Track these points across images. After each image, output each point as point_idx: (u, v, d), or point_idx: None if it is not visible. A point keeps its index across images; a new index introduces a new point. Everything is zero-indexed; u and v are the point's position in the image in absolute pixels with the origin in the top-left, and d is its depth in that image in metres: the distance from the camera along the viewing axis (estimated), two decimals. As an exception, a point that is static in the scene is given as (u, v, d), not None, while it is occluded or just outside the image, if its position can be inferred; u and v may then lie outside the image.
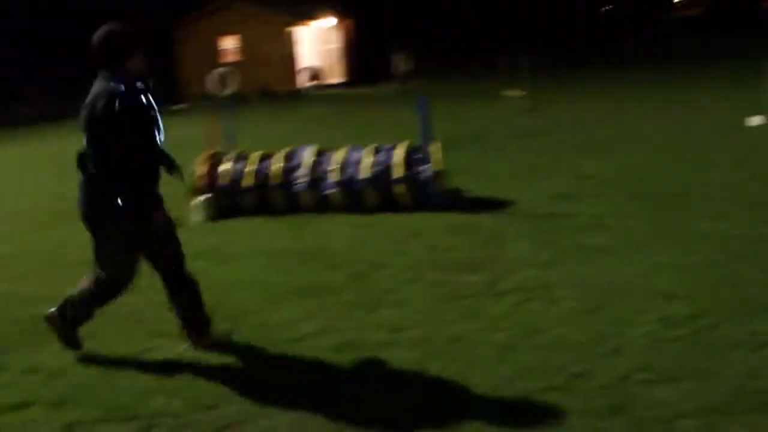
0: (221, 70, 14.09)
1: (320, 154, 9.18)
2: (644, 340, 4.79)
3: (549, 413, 3.99)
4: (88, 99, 4.52)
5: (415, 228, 7.98)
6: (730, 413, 3.84)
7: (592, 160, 11.01)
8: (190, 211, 9.00)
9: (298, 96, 29.24)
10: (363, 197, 8.76)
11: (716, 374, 4.26)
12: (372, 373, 4.65)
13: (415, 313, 5.54)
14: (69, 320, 4.94)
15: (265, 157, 9.28)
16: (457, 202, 8.78)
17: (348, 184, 8.80)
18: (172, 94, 30.22)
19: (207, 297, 5.12)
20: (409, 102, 12.92)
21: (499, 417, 3.99)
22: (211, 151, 9.58)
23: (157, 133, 4.63)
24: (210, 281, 5.75)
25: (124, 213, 4.48)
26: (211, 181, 9.16)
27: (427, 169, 8.67)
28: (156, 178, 4.67)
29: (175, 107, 27.25)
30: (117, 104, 4.38)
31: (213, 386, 4.54)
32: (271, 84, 30.13)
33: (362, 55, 33.95)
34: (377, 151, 9.03)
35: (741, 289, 5.49)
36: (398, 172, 8.67)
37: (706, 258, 6.26)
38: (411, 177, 8.68)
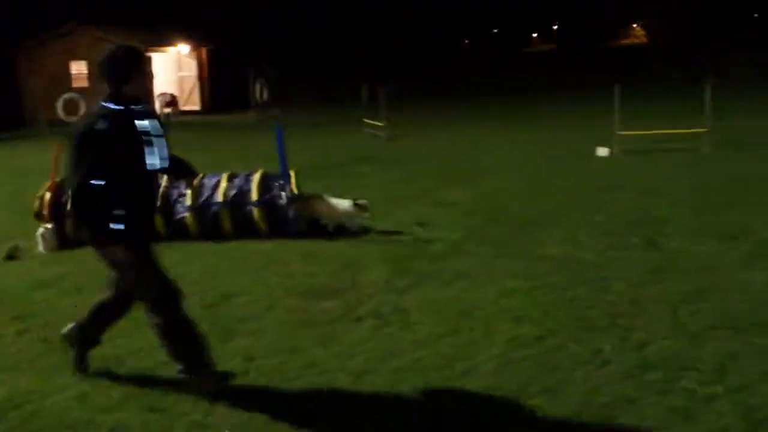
0: (70, 95, 13.64)
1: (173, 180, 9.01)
2: (495, 361, 4.98)
3: (402, 435, 4.09)
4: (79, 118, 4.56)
5: (272, 255, 7.98)
6: (578, 428, 4.06)
7: (450, 189, 11.36)
8: (35, 240, 8.64)
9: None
10: (219, 222, 8.68)
11: (562, 391, 4.49)
12: (225, 400, 4.61)
13: (271, 341, 5.54)
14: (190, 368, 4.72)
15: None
16: (314, 229, 8.83)
17: (202, 208, 8.69)
18: (14, 119, 28.94)
19: (51, 328, 4.94)
20: (267, 130, 12.91)
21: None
22: (57, 179, 9.23)
23: (146, 158, 4.46)
24: (55, 313, 5.51)
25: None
26: (56, 210, 8.82)
27: (284, 196, 8.69)
28: (134, 205, 4.51)
29: (18, 133, 26.07)
30: (99, 124, 4.33)
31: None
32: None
33: (219, 83, 33.67)
34: (233, 177, 8.97)
35: (585, 311, 5.80)
36: (254, 197, 8.65)
37: (554, 281, 6.58)
38: (268, 202, 8.68)
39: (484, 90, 34.17)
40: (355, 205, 8.63)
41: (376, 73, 29.29)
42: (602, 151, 13.86)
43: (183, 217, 8.72)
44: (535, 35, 77.45)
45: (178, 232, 8.67)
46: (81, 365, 5.03)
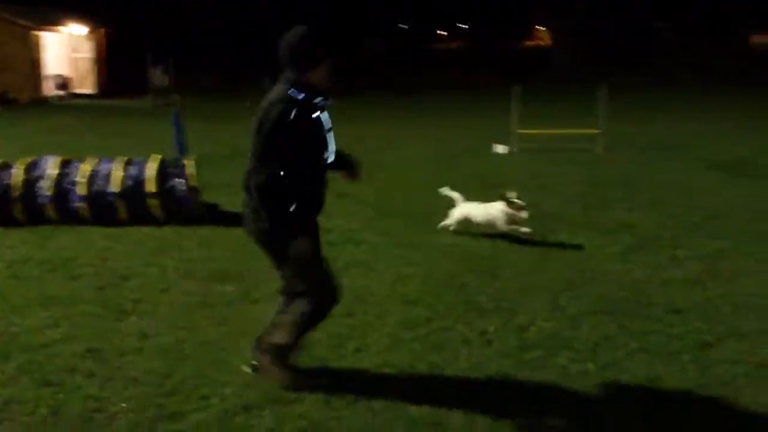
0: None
1: (65, 165, 8.98)
2: (386, 340, 5.33)
3: (293, 405, 4.39)
4: (264, 103, 4.22)
5: (169, 240, 8.13)
6: (458, 401, 4.45)
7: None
8: None
9: (43, 104, 27.95)
10: (114, 211, 8.72)
11: (447, 367, 4.88)
12: (119, 375, 4.80)
13: (166, 321, 5.74)
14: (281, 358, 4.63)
15: (4, 168, 8.96)
16: (212, 216, 8.99)
17: (97, 197, 8.69)
18: None
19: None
20: (165, 117, 12.91)
21: (242, 410, 4.34)
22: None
23: (324, 155, 4.41)
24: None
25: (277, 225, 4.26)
26: None
27: (181, 184, 8.81)
28: (313, 203, 4.44)
29: None
30: (293, 114, 4.13)
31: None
32: (13, 90, 28.58)
33: (116, 67, 33.07)
34: (129, 163, 9.02)
35: (474, 296, 6.23)
36: (151, 186, 8.71)
37: (446, 269, 7.00)
38: (164, 191, 8.77)
39: (389, 86, 34.63)
40: (508, 203, 8.10)
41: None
42: (500, 149, 14.43)
43: (76, 207, 8.71)
44: (443, 32, 78.74)
45: (70, 218, 8.69)
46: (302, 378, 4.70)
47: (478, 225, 8.13)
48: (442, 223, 8.36)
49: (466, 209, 8.22)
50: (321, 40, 4.27)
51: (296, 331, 4.54)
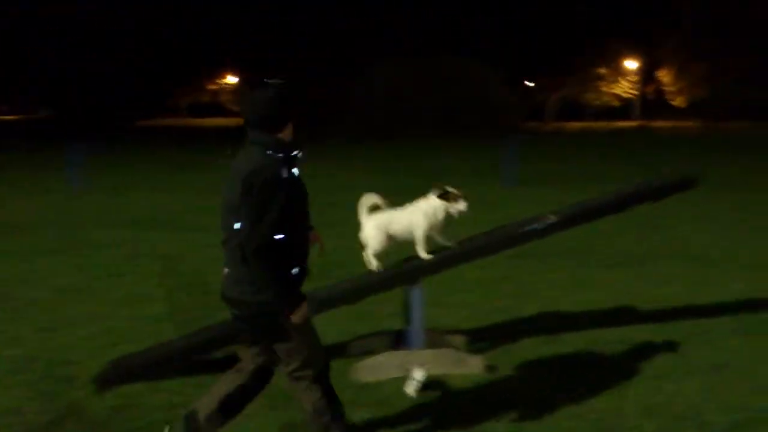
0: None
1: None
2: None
3: None
4: (241, 169, 4.04)
5: None
6: None
7: None
8: None
9: None
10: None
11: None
12: None
13: None
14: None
15: None
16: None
17: None
18: None
19: None
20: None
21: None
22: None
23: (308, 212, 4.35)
24: None
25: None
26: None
27: None
28: (305, 265, 4.30)
29: None
30: (284, 173, 4.05)
31: None
32: None
33: None
34: None
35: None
36: None
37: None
38: None
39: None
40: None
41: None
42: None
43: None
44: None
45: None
46: None
47: (401, 235, 6.08)
48: (365, 254, 6.13)
49: (377, 220, 6.06)
50: (290, 98, 4.21)
51: (324, 419, 4.39)
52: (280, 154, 4.09)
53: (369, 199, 6.03)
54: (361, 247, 5.98)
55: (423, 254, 5.97)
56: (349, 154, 30.48)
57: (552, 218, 6.23)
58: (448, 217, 6.01)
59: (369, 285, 6.06)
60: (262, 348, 4.36)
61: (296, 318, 4.13)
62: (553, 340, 6.67)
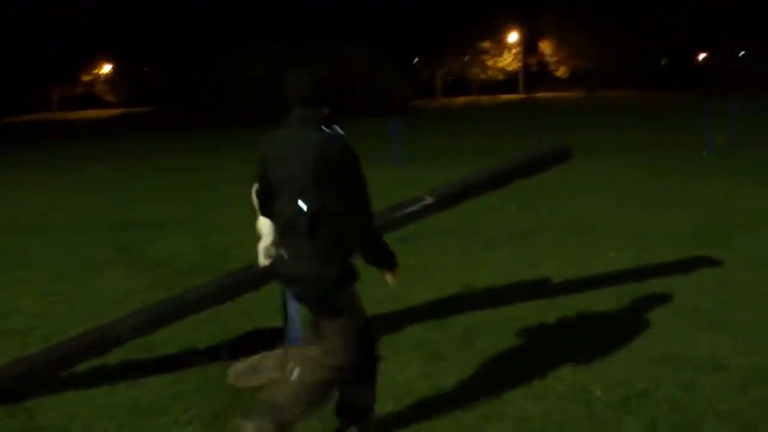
0: None
1: None
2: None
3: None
4: (303, 146, 3.97)
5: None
6: None
7: None
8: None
9: None
10: None
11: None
12: None
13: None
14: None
15: None
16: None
17: None
18: None
19: None
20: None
21: None
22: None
23: None
24: None
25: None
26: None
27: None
28: None
29: None
30: (352, 149, 4.03)
31: None
32: None
33: None
34: None
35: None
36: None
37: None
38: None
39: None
40: None
41: None
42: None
43: None
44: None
45: None
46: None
47: None
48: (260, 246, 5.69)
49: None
50: (330, 77, 4.24)
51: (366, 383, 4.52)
52: (337, 129, 4.09)
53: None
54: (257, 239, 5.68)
55: None
56: (234, 139, 29.88)
57: (428, 199, 6.03)
58: None
59: (238, 283, 5.74)
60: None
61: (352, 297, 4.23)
62: (441, 324, 6.49)
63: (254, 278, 5.73)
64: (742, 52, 68.08)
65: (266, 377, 5.46)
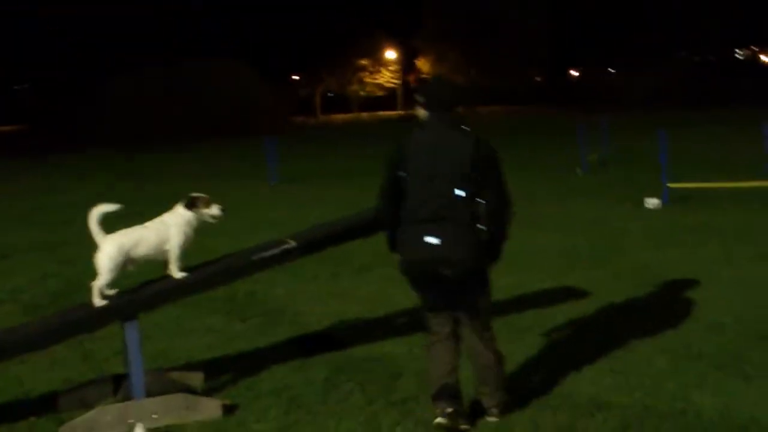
0: None
1: None
2: None
3: None
4: (456, 144, 4.59)
5: None
6: None
7: None
8: None
9: None
10: None
11: None
12: None
13: None
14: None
15: None
16: None
17: None
18: None
19: None
20: None
21: None
22: None
23: None
24: None
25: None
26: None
27: None
28: None
29: None
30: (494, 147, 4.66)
31: None
32: None
33: None
34: None
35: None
36: None
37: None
38: None
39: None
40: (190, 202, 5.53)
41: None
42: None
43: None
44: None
45: None
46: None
47: (148, 256, 5.27)
48: (95, 284, 5.09)
49: (119, 240, 5.14)
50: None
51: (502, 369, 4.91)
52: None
53: (98, 210, 5.08)
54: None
55: (177, 273, 5.24)
56: (101, 163, 28.59)
57: (291, 243, 5.52)
58: (203, 225, 5.40)
59: (73, 323, 5.09)
60: (448, 315, 4.77)
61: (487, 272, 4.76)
62: (303, 365, 5.94)
63: (92, 318, 5.08)
64: (610, 69, 70.37)
65: (105, 434, 4.82)
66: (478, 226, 4.54)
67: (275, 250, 5.47)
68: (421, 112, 4.82)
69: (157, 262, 5.31)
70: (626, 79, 64.96)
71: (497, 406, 4.81)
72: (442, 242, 4.48)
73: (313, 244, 5.71)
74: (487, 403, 4.83)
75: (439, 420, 4.70)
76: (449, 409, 4.69)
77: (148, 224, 5.31)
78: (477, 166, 4.53)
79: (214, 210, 5.40)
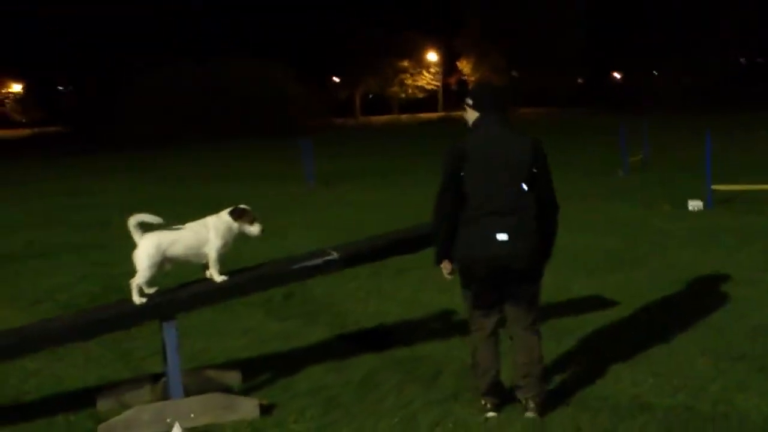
0: None
1: None
2: None
3: None
4: (516, 143, 4.78)
5: None
6: None
7: None
8: None
9: None
10: None
11: None
12: None
13: None
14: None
15: None
16: None
17: None
18: None
19: None
20: None
21: None
22: None
23: None
24: None
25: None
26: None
27: None
28: None
29: None
30: None
31: None
32: None
33: None
34: None
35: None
36: None
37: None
38: None
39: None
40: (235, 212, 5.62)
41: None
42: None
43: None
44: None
45: None
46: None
47: (185, 257, 5.30)
48: (133, 281, 5.13)
49: (157, 238, 5.19)
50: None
51: (543, 366, 4.96)
52: None
53: (137, 218, 5.13)
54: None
55: (217, 277, 5.26)
56: (140, 163, 28.88)
57: (333, 254, 5.52)
58: (240, 238, 5.40)
59: (112, 319, 5.13)
60: (496, 313, 4.91)
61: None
62: (340, 365, 5.93)
63: (131, 315, 5.11)
64: (655, 72, 69.64)
65: (143, 434, 4.85)
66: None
67: (317, 261, 5.48)
68: (471, 114, 4.94)
69: (195, 265, 5.34)
70: (670, 82, 64.33)
71: (536, 399, 4.83)
72: (509, 237, 4.63)
73: (355, 257, 5.71)
74: (525, 395, 4.86)
75: (490, 414, 4.83)
76: (498, 402, 4.88)
77: (189, 224, 5.34)
78: (535, 164, 4.72)
79: (256, 228, 5.43)
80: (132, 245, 5.10)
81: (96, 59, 57.57)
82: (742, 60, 70.21)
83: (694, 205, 12.50)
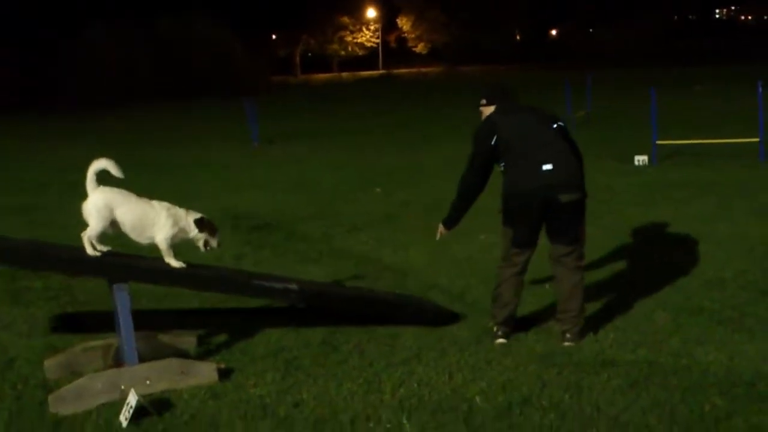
0: None
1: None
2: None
3: None
4: (544, 110, 5.61)
5: None
6: None
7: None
8: None
9: None
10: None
11: None
12: None
13: None
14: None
15: None
16: None
17: None
18: None
19: None
20: None
21: None
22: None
23: None
24: None
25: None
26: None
27: None
28: None
29: None
30: None
31: None
32: None
33: None
34: None
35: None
36: None
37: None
38: None
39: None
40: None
41: None
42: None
43: None
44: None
45: None
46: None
47: (129, 228, 5.04)
48: (85, 234, 4.90)
49: (110, 195, 4.97)
50: None
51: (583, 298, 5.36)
52: None
53: (100, 164, 4.91)
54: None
55: (174, 263, 5.11)
56: (80, 126, 28.11)
57: (293, 286, 5.59)
58: (186, 241, 5.23)
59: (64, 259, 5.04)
60: (531, 251, 5.36)
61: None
62: (298, 328, 5.77)
63: (82, 262, 4.93)
64: (591, 29, 70.18)
65: (94, 403, 4.64)
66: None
67: (277, 285, 5.56)
68: (486, 111, 5.53)
69: (134, 242, 5.13)
70: (606, 38, 64.88)
71: (573, 331, 5.26)
72: (554, 166, 5.15)
73: (314, 297, 5.78)
74: (563, 328, 5.30)
75: (501, 340, 5.32)
76: (509, 332, 5.37)
77: (152, 202, 5.11)
78: (557, 118, 5.51)
79: (213, 242, 5.30)
80: (73, 206, 4.86)
81: (33, 24, 55.46)
82: (675, 17, 71.15)
83: (640, 159, 12.58)
